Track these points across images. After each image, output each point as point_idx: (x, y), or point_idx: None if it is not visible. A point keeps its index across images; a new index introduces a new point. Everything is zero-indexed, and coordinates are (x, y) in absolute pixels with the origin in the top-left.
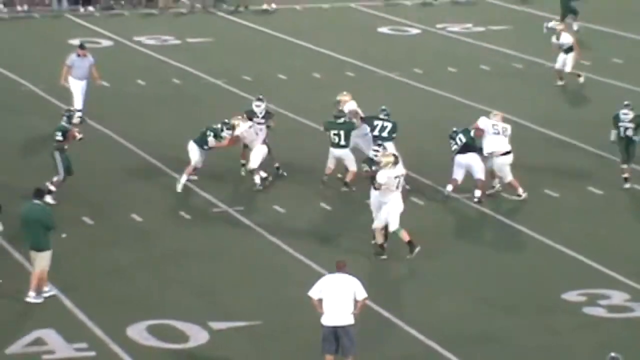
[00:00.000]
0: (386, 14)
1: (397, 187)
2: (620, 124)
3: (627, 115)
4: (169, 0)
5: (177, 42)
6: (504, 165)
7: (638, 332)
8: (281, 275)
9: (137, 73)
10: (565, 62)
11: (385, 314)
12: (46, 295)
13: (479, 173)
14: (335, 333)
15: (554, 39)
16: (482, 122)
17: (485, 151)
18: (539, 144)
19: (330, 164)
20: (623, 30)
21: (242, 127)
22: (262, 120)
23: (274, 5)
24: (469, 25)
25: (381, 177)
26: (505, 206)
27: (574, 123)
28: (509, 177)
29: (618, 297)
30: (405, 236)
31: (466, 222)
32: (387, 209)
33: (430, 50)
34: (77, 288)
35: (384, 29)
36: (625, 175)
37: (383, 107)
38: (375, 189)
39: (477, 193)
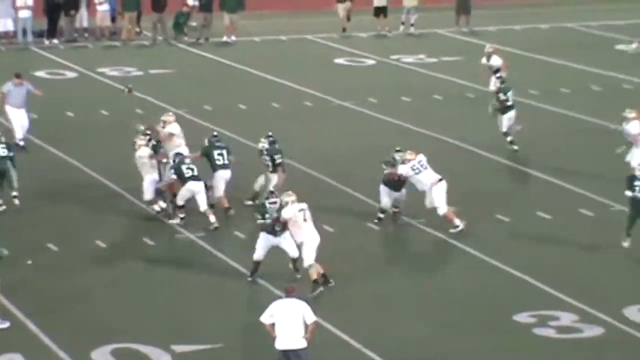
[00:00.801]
0: (342, 45)
1: (305, 220)
2: (637, 183)
3: None
4: (131, 33)
5: (140, 73)
6: (441, 194)
7: (586, 353)
8: (242, 299)
9: (101, 103)
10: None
11: (344, 336)
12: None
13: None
14: (289, 357)
15: (483, 60)
16: (402, 169)
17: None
18: (490, 170)
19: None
20: (572, 62)
21: (142, 152)
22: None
23: (233, 37)
24: (422, 56)
25: (287, 212)
26: (458, 230)
27: (523, 150)
28: (444, 209)
29: (567, 319)
30: (314, 273)
31: (419, 247)
32: (288, 243)
33: (384, 80)
34: (42, 312)
35: (340, 60)
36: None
37: (269, 134)
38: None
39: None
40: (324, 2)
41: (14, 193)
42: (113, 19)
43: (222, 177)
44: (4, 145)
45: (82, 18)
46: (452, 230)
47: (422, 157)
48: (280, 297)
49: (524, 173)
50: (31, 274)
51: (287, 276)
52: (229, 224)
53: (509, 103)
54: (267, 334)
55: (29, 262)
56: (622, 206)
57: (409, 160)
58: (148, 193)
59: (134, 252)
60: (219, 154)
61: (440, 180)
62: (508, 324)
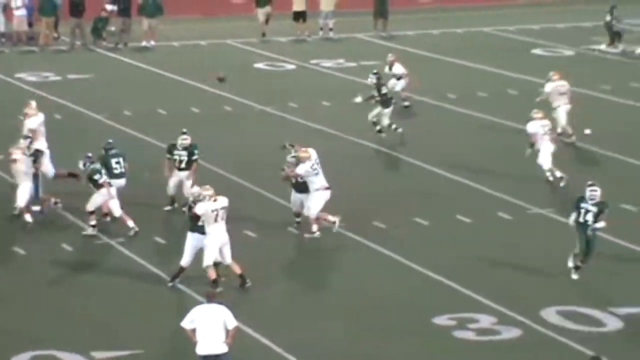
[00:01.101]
0: (262, 50)
1: (217, 220)
2: (583, 205)
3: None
4: (49, 38)
5: (58, 78)
6: (321, 201)
7: (505, 354)
8: (163, 305)
9: (18, 109)
10: (396, 85)
11: (265, 341)
12: None
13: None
14: None
15: (386, 69)
16: (301, 169)
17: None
18: (409, 173)
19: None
20: (489, 66)
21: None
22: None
23: (152, 42)
24: (342, 60)
25: (199, 208)
26: (376, 234)
27: (442, 154)
28: (314, 214)
29: (486, 321)
30: (212, 274)
31: (339, 251)
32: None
33: (304, 85)
34: None
35: (260, 65)
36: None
37: (183, 130)
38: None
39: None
40: (243, 7)
41: None
42: (30, 24)
43: (117, 186)
44: None
45: None
46: (307, 235)
47: (315, 154)
48: (201, 302)
49: (443, 177)
50: None
51: (208, 280)
52: (150, 229)
53: (383, 91)
54: (188, 339)
55: None
56: (539, 209)
57: (305, 159)
58: (21, 200)
59: (53, 258)
60: (116, 162)
61: (327, 188)
62: (428, 327)
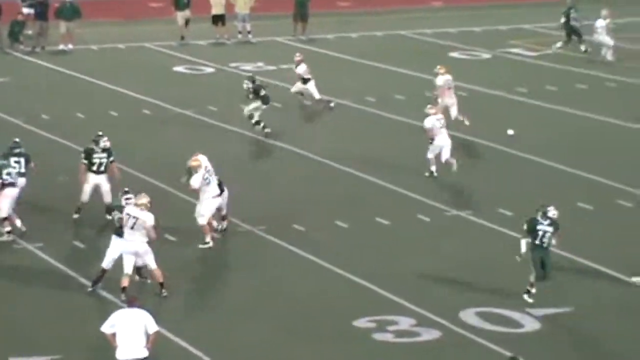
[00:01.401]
0: (181, 53)
1: (133, 228)
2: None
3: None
4: None
5: None
6: (212, 208)
7: (425, 356)
8: (82, 311)
9: None
10: (311, 92)
11: (183, 344)
12: None
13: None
14: None
15: (294, 68)
16: (195, 181)
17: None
18: (329, 176)
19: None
20: (406, 69)
21: None
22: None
23: (70, 46)
24: (261, 63)
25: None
26: (296, 236)
27: (361, 157)
28: (204, 221)
29: (405, 323)
30: (125, 281)
31: (259, 253)
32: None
33: (224, 88)
34: None
35: (179, 68)
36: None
37: (99, 133)
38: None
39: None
40: (162, 11)
41: None
42: None
43: (19, 185)
44: None
45: None
46: (201, 246)
47: (206, 160)
48: (122, 307)
49: (361, 179)
50: None
51: (130, 289)
52: (68, 232)
53: (262, 93)
54: (109, 344)
55: None
56: (457, 211)
57: (197, 168)
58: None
59: None
60: (15, 162)
61: (218, 195)
62: (348, 330)
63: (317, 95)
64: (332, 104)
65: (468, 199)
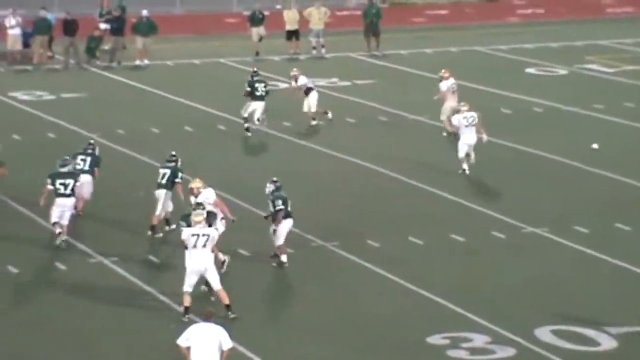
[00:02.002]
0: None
1: (195, 246)
2: None
3: None
4: (43, 57)
5: (52, 97)
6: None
7: None
8: (153, 325)
9: (13, 128)
10: (310, 104)
11: (249, 354)
12: None
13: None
14: None
15: (293, 83)
16: (207, 194)
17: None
18: (402, 192)
19: None
20: (481, 84)
21: None
22: None
23: (146, 61)
24: (335, 79)
25: (183, 233)
26: (369, 252)
27: (434, 171)
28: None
29: (480, 340)
30: (186, 300)
31: (330, 268)
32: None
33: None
34: None
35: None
36: None
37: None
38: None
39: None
40: (237, 26)
41: None
42: (25, 44)
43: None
44: None
45: None
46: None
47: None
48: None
49: (433, 194)
50: None
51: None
52: (51, 255)
53: (258, 94)
54: (183, 357)
55: None
56: (532, 228)
57: (199, 190)
58: None
59: None
60: (81, 159)
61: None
62: (421, 346)
63: (314, 108)
64: (329, 115)
65: (543, 216)
